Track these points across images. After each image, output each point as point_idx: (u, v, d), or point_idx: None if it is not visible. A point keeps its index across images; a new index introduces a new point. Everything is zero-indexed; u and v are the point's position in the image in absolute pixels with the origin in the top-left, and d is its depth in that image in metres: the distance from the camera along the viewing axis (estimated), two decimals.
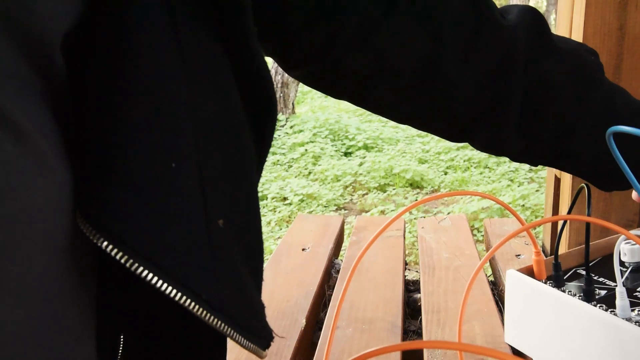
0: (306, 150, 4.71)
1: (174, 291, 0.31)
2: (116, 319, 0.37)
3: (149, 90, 0.31)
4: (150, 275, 0.30)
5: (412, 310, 1.10)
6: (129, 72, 0.31)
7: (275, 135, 5.01)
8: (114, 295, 0.36)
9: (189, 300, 0.32)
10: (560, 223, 0.81)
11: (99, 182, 0.30)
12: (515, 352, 0.79)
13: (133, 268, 0.30)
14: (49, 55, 0.29)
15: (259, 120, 0.40)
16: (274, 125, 0.41)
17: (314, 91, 8.55)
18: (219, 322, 0.34)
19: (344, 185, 4.00)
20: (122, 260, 0.30)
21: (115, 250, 0.30)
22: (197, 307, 0.32)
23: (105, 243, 0.29)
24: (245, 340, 0.36)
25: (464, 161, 4.45)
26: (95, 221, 0.30)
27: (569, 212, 0.66)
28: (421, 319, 0.96)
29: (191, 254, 0.33)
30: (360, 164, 4.39)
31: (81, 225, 0.30)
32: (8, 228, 0.26)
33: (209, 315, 0.33)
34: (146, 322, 0.38)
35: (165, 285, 0.31)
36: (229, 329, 0.35)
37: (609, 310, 0.66)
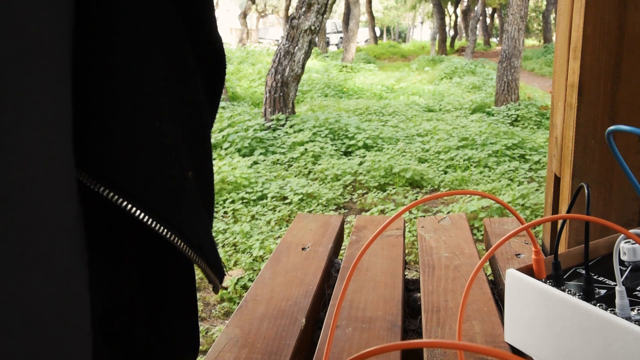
0: (306, 149, 4.71)
1: (163, 229, 0.37)
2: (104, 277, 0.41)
3: (135, 66, 0.37)
4: (142, 214, 0.36)
5: (411, 310, 1.10)
6: (117, 53, 0.36)
7: (275, 135, 5.01)
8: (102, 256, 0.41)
9: (177, 239, 0.38)
10: (560, 222, 0.81)
11: (97, 140, 0.35)
12: (515, 351, 0.79)
13: (132, 212, 0.35)
14: None
15: (213, 85, 0.48)
16: (222, 88, 0.50)
17: (314, 90, 8.54)
18: (196, 257, 0.41)
19: (344, 184, 4.00)
20: (124, 205, 0.35)
21: (116, 198, 0.35)
22: (181, 243, 0.39)
23: (107, 192, 0.35)
24: (212, 274, 0.43)
25: (464, 160, 4.45)
26: (98, 174, 0.34)
27: (569, 212, 0.66)
28: (421, 318, 0.96)
29: (175, 200, 0.39)
30: (360, 163, 4.39)
31: (83, 179, 0.34)
32: (31, 212, 0.27)
33: (189, 250, 0.40)
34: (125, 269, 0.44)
35: (156, 224, 0.37)
36: (202, 262, 0.42)
37: (609, 309, 0.66)
